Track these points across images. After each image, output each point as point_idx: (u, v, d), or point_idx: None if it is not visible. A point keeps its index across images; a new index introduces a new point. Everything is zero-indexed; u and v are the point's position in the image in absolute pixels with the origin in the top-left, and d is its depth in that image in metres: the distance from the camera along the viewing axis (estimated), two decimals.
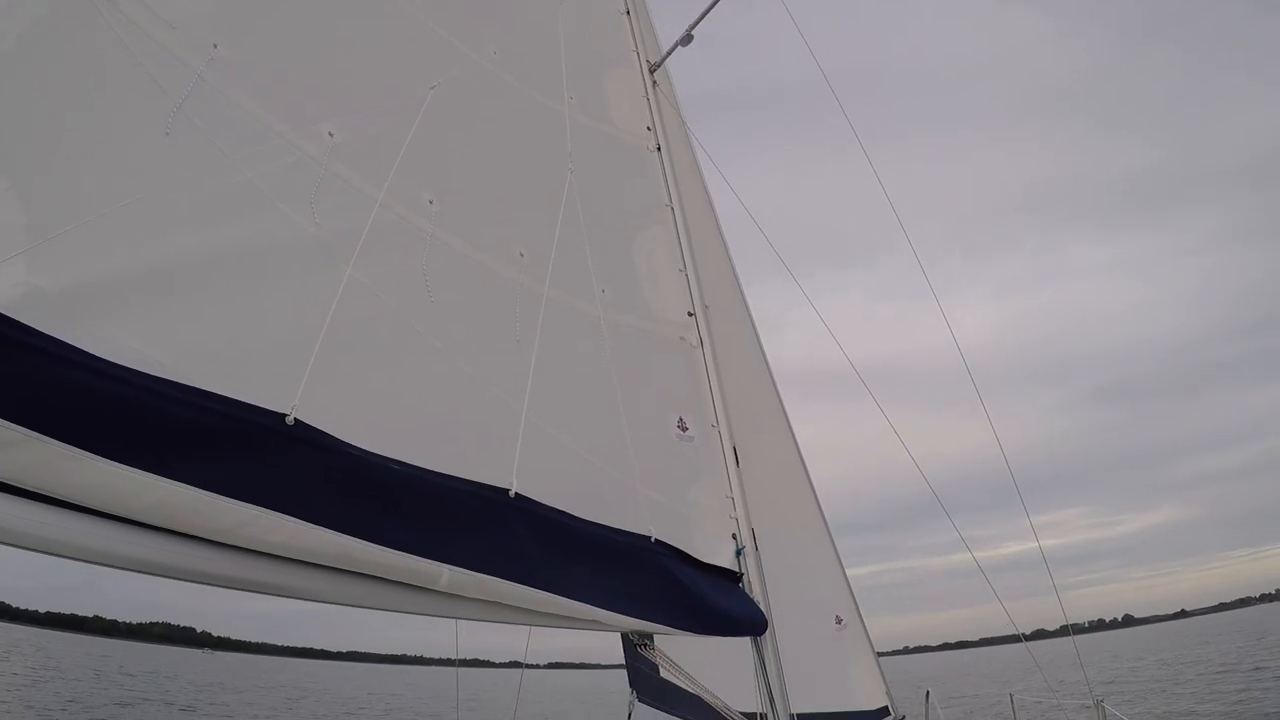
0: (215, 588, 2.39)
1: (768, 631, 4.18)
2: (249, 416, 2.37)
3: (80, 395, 2.02)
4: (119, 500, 2.10)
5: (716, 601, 3.66)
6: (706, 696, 4.15)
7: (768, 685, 4.22)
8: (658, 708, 6.82)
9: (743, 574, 4.07)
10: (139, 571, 2.24)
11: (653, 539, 3.45)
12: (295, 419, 2.45)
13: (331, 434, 2.54)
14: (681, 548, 3.68)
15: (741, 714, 4.33)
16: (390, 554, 2.54)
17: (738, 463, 4.37)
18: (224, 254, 2.57)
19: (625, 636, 5.45)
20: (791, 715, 4.43)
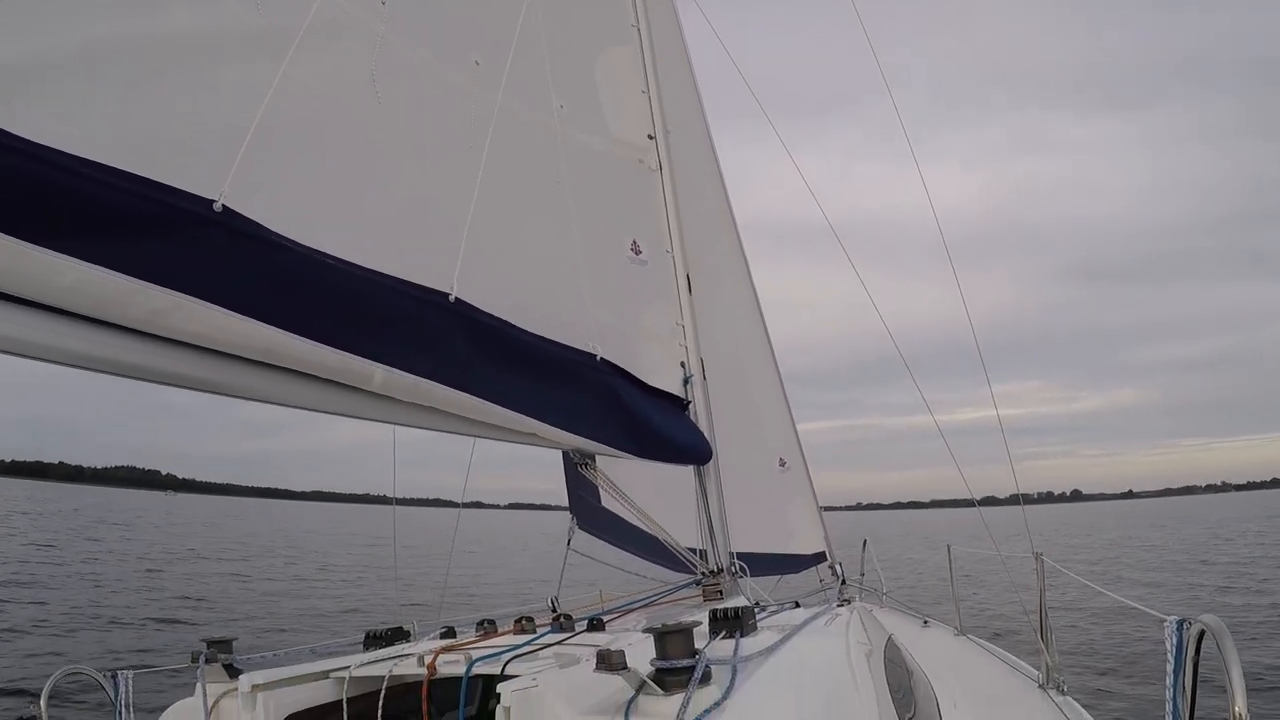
0: (150, 382, 2.38)
1: (711, 462, 4.26)
2: (174, 201, 2.29)
3: None
4: (34, 285, 2.03)
5: (661, 426, 3.69)
6: (648, 526, 4.24)
7: (708, 517, 4.32)
8: (597, 535, 6.97)
9: (689, 401, 4.11)
10: (57, 362, 2.21)
11: (598, 357, 3.45)
12: (223, 205, 2.37)
13: (263, 224, 2.47)
14: (628, 370, 3.70)
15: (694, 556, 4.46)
16: (321, 349, 2.51)
17: (690, 290, 4.36)
18: (160, 38, 2.43)
19: (567, 458, 5.53)
20: (731, 552, 4.56)
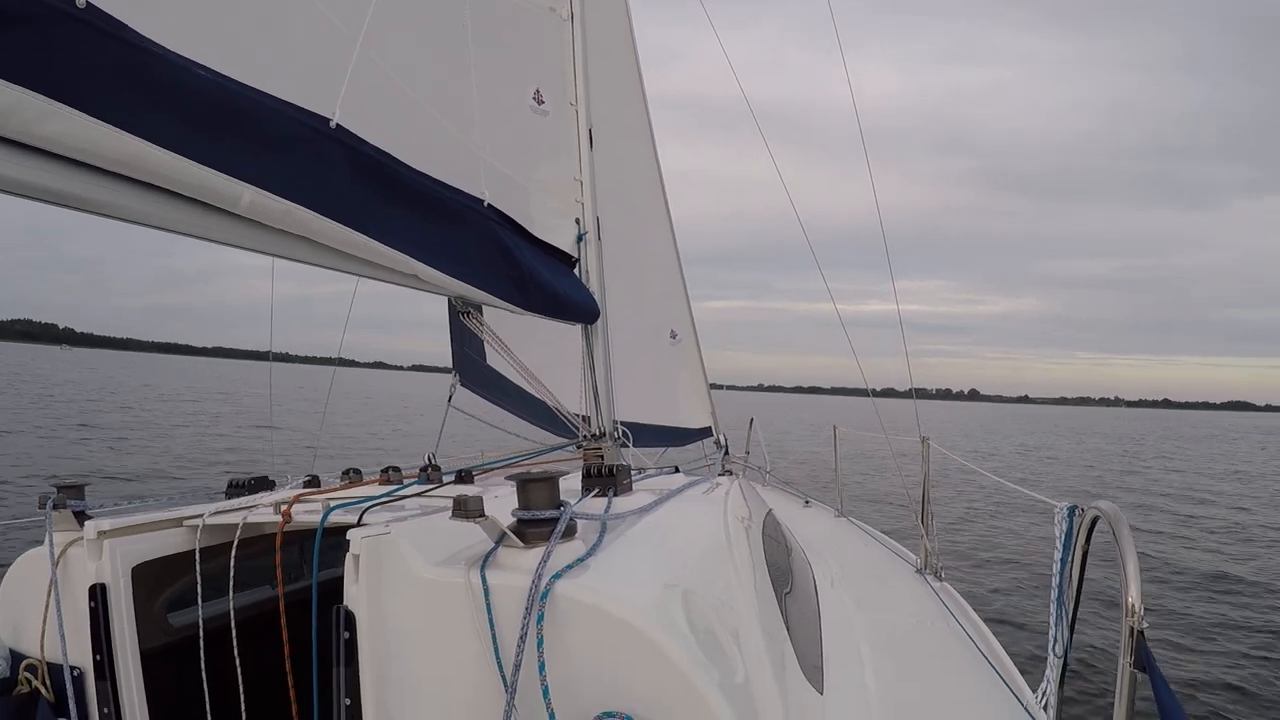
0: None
1: (598, 322, 4.27)
2: None
3: None
4: None
5: (548, 281, 3.68)
6: (533, 386, 4.26)
7: (593, 379, 4.35)
8: (480, 394, 7.00)
9: (579, 259, 4.10)
10: None
11: (486, 203, 3.40)
12: (87, 2, 2.24)
13: (127, 24, 2.34)
14: (519, 220, 3.65)
15: (577, 418, 4.49)
16: (184, 163, 2.40)
17: (591, 146, 4.30)
18: None
19: (452, 310, 5.50)
20: (615, 420, 4.62)
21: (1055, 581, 2.57)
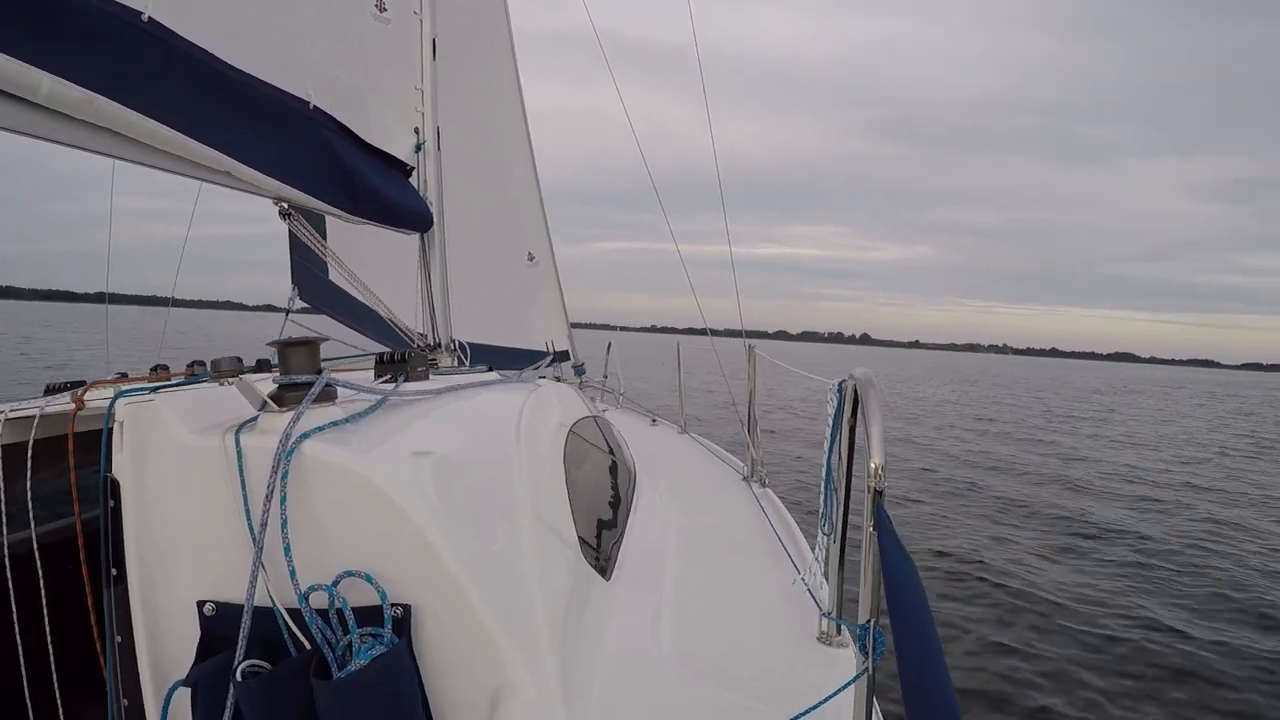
0: None
1: (435, 234, 4.35)
2: None
3: None
4: None
5: (377, 187, 3.73)
6: (366, 297, 4.31)
7: (429, 289, 4.43)
8: (320, 308, 7.01)
9: (413, 168, 4.16)
10: None
11: (311, 104, 3.43)
12: None
13: None
14: (353, 127, 3.69)
15: (413, 331, 4.56)
16: None
17: (435, 58, 4.34)
18: None
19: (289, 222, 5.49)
20: (458, 340, 4.70)
21: (827, 447, 2.68)
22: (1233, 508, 15.55)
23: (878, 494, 1.90)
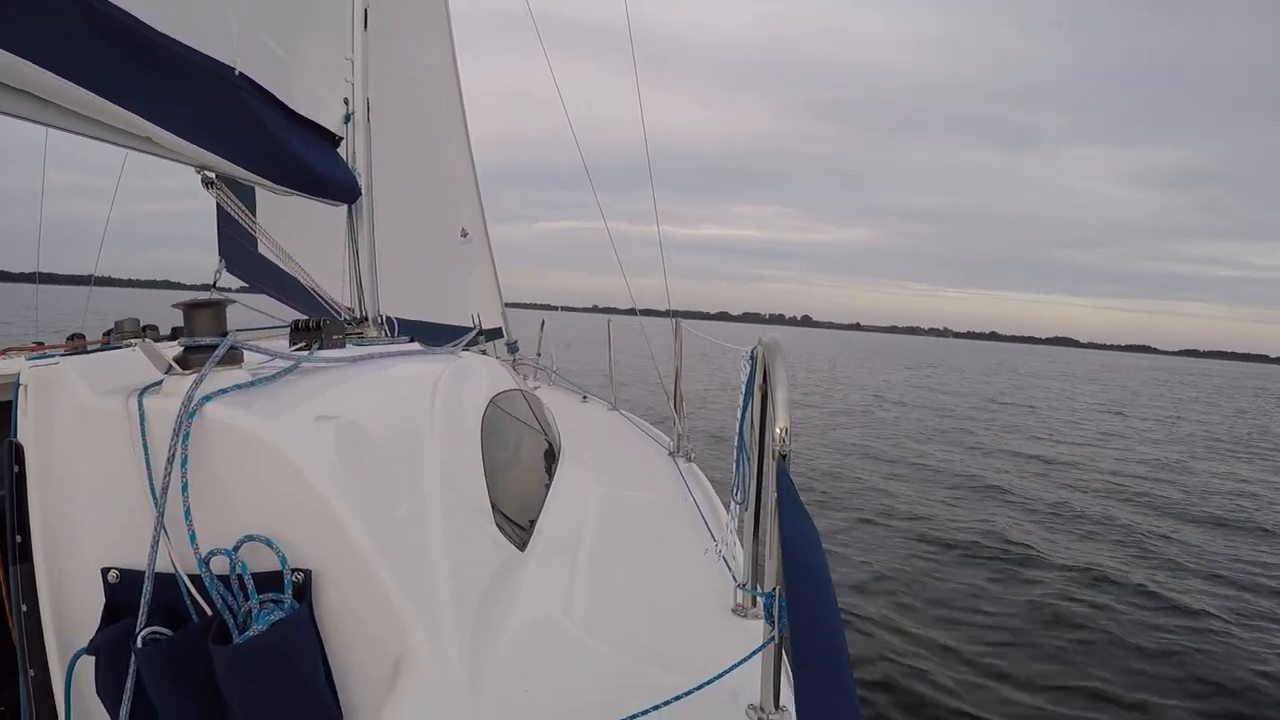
0: None
1: (363, 205, 4.34)
2: None
3: None
4: None
5: (304, 155, 3.71)
6: (293, 269, 4.30)
7: (355, 262, 4.43)
8: (248, 281, 6.96)
9: (342, 139, 4.15)
10: None
11: (237, 71, 3.41)
12: None
13: None
14: (279, 95, 3.68)
15: (340, 304, 4.55)
16: None
17: (366, 27, 4.33)
18: None
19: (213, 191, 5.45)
20: (385, 315, 4.69)
21: (740, 415, 2.66)
22: None
23: (782, 458, 1.90)
